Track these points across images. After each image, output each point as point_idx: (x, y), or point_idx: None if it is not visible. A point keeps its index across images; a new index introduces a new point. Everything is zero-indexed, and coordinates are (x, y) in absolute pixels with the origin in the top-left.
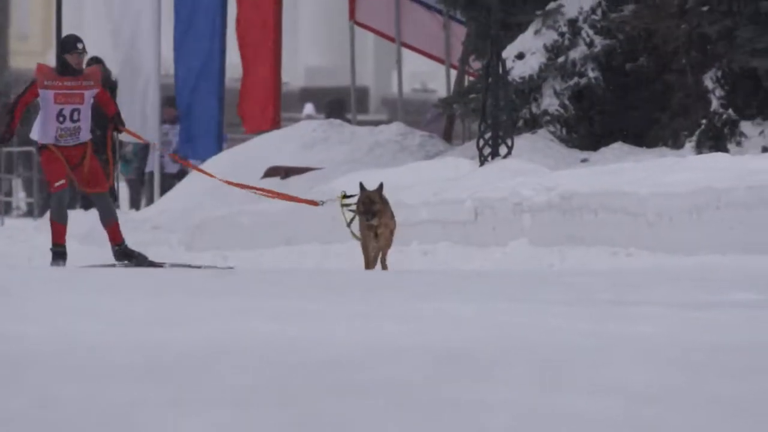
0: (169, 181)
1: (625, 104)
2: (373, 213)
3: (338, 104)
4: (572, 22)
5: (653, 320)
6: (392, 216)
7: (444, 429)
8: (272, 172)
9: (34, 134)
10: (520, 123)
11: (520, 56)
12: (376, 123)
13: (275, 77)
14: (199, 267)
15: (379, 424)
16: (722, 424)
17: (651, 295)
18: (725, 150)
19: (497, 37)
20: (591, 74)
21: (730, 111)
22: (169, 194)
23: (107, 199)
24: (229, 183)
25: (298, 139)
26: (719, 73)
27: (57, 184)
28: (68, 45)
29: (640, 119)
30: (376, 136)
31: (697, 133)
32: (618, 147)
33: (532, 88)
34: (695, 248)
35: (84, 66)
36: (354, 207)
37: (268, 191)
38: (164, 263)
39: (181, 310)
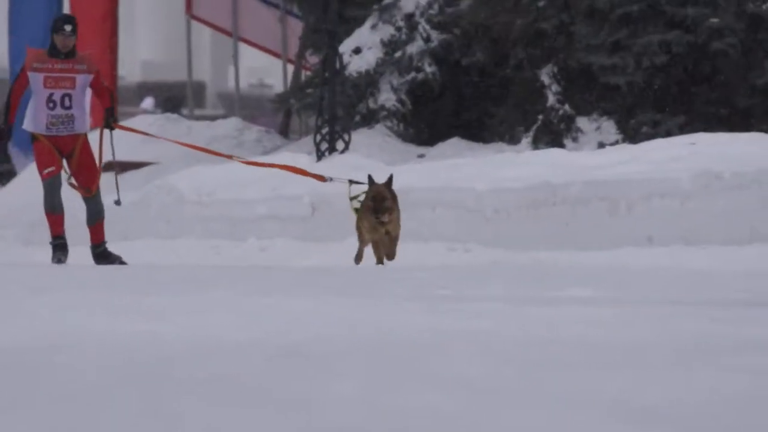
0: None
1: (462, 99)
2: (383, 210)
3: (175, 99)
4: (409, 17)
5: (491, 315)
6: (399, 214)
7: (279, 425)
8: (108, 166)
9: (26, 124)
10: (357, 118)
11: (357, 51)
12: (213, 118)
13: (111, 72)
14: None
15: (208, 421)
16: (556, 418)
17: (488, 291)
18: (562, 145)
19: (334, 32)
20: (428, 69)
21: (567, 106)
22: (6, 188)
23: (97, 197)
24: (248, 162)
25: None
26: (556, 69)
27: (46, 171)
28: (56, 25)
29: (477, 114)
30: (213, 131)
31: (533, 128)
32: (455, 142)
33: (369, 83)
34: (532, 244)
35: (72, 46)
36: (361, 200)
37: (278, 165)
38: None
39: (12, 306)
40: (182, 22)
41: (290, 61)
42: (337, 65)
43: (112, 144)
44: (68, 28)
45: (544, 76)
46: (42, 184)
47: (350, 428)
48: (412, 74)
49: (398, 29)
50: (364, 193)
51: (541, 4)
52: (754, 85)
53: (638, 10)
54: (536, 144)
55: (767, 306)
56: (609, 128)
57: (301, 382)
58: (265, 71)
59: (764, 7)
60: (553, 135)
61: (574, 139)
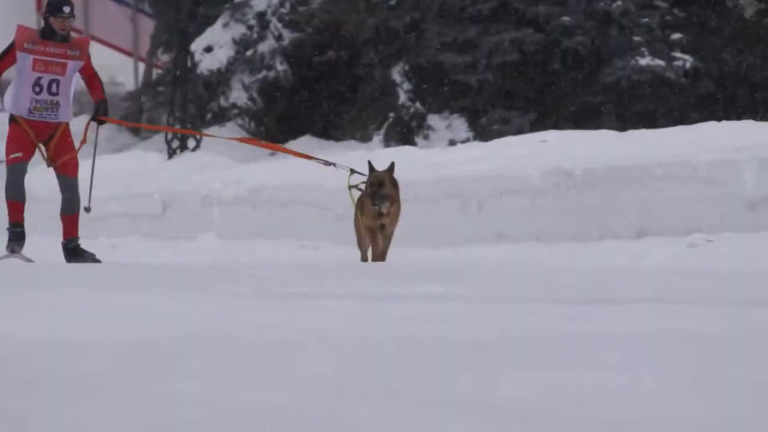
0: None
1: (313, 97)
2: (382, 197)
3: None
4: (261, 16)
5: (342, 313)
6: (399, 208)
7: (130, 420)
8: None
9: (6, 103)
10: (209, 116)
11: (209, 49)
12: None
13: None
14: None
15: (55, 419)
16: (407, 416)
17: (339, 288)
18: (413, 143)
19: (185, 30)
20: (279, 67)
21: (418, 104)
22: None
23: (73, 184)
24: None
25: None
26: (407, 67)
27: (12, 156)
28: (53, 7)
29: (328, 112)
30: None
31: (385, 126)
32: (307, 140)
33: (220, 81)
34: None
35: (69, 30)
36: (362, 187)
37: (294, 152)
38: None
39: None
40: (33, 20)
41: (141, 59)
42: (189, 63)
43: (96, 137)
44: (67, 9)
45: (396, 74)
46: (6, 168)
47: (198, 424)
48: (264, 72)
49: (250, 28)
50: (363, 183)
51: (392, 2)
52: (605, 83)
53: (489, 9)
54: (388, 142)
55: (612, 303)
56: (460, 126)
57: (149, 380)
58: (116, 69)
59: (614, 5)
60: (405, 133)
61: (425, 137)
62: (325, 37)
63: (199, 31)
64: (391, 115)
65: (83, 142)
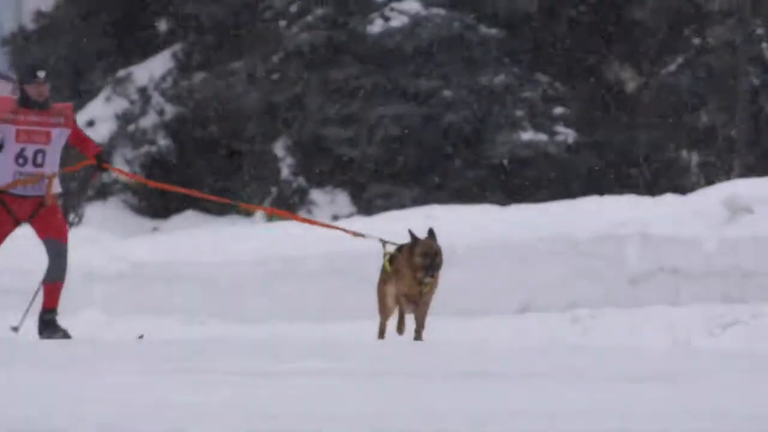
0: None
1: (195, 172)
2: (437, 267)
3: None
4: (143, 90)
5: (227, 388)
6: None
7: None
8: None
9: None
10: (91, 191)
11: (91, 123)
12: None
13: None
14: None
15: None
16: None
17: (223, 364)
18: None
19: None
20: (162, 142)
21: (301, 179)
22: None
23: (63, 250)
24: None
25: None
26: (289, 142)
27: None
28: (26, 73)
29: (211, 187)
30: None
31: (268, 200)
32: (189, 215)
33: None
34: (266, 316)
35: (47, 95)
36: (396, 256)
37: (320, 223)
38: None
39: None
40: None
41: None
42: None
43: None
44: (41, 74)
45: (278, 149)
46: None
47: None
48: (146, 147)
49: (132, 102)
50: (396, 251)
51: (274, 77)
52: (487, 157)
53: (371, 83)
54: (271, 216)
55: (493, 378)
56: (343, 200)
57: None
58: None
59: (496, 80)
60: (288, 207)
61: (308, 211)
62: (207, 111)
63: (81, 105)
64: (274, 189)
65: (86, 188)
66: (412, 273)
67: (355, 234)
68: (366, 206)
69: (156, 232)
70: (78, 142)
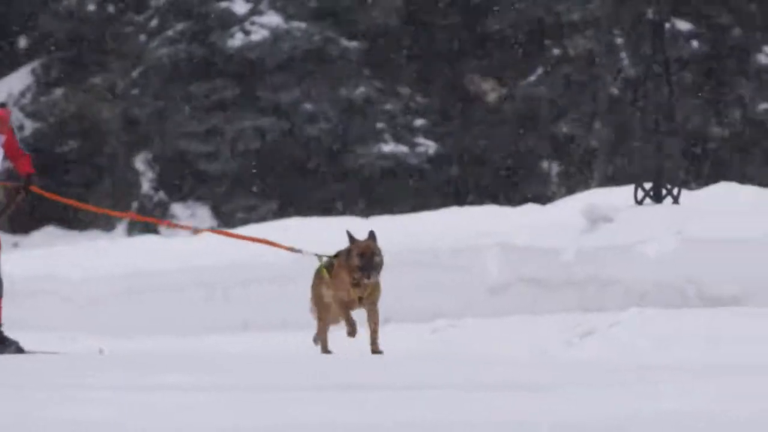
0: None
1: (56, 187)
2: (375, 267)
3: None
4: (2, 107)
5: (99, 404)
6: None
7: None
8: None
9: None
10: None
11: None
12: None
13: None
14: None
15: None
16: None
17: (87, 380)
18: (156, 232)
19: None
20: None
21: (161, 193)
22: None
23: None
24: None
25: None
26: (150, 156)
27: None
28: None
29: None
30: None
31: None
32: (50, 230)
33: None
34: (130, 331)
35: None
36: (330, 260)
37: (254, 239)
38: (35, 351)
39: None
40: None
41: None
42: None
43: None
44: None
45: (139, 163)
46: None
47: None
48: (6, 163)
49: None
50: (333, 257)
51: (134, 92)
52: (349, 169)
53: (233, 96)
54: (131, 231)
55: (363, 390)
56: (203, 214)
57: None
58: None
59: (356, 92)
60: (148, 222)
61: (168, 226)
62: (67, 126)
63: None
64: (135, 204)
65: (7, 208)
66: (350, 275)
67: (291, 249)
68: (226, 219)
69: (17, 248)
70: (12, 153)
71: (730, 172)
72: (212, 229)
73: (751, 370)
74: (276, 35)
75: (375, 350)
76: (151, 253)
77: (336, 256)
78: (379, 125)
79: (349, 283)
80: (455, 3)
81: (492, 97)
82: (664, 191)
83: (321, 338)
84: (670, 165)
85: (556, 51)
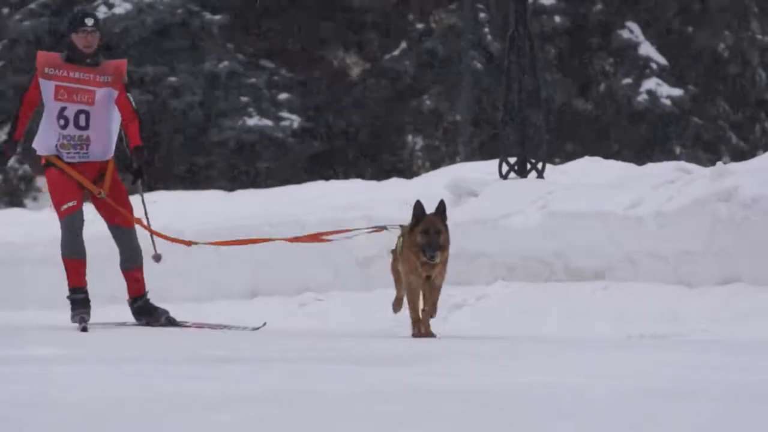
0: None
1: None
2: (436, 248)
3: None
4: None
5: None
6: (448, 253)
7: None
8: None
9: (35, 144)
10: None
11: None
12: None
13: None
14: (229, 327)
15: None
16: None
17: None
18: (22, 205)
19: None
20: None
21: (27, 167)
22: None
23: (132, 236)
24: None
25: None
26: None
27: (64, 207)
28: (74, 21)
29: None
30: None
31: None
32: None
33: None
34: None
35: (96, 47)
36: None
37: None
38: (188, 322)
39: None
40: None
41: None
42: None
43: (144, 202)
44: (90, 22)
45: (3, 136)
46: (60, 224)
47: None
48: None
49: None
50: (405, 228)
51: None
52: (214, 142)
53: None
54: None
55: (234, 363)
56: None
57: None
58: None
59: (220, 66)
60: (13, 195)
61: (35, 199)
62: None
63: None
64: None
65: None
66: (415, 253)
67: (378, 229)
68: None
69: None
70: (123, 113)
71: (593, 146)
72: (231, 241)
73: (613, 343)
74: (139, 8)
75: (426, 333)
76: (15, 226)
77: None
78: (244, 99)
79: (416, 263)
80: None
81: (356, 71)
82: (528, 166)
83: (397, 301)
84: (534, 139)
85: (419, 25)
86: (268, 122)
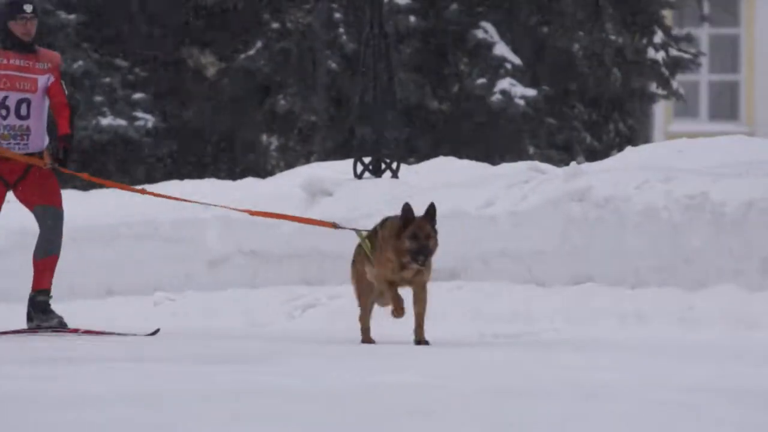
0: None
1: None
2: (428, 253)
3: None
4: None
5: None
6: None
7: None
8: None
9: None
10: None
11: None
12: None
13: None
14: (120, 333)
15: None
16: None
17: None
18: None
19: None
20: None
21: None
22: None
23: (58, 217)
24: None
25: None
26: None
27: None
28: (12, 8)
29: None
30: None
31: None
32: None
33: None
34: None
35: (33, 35)
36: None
37: (283, 215)
38: (79, 329)
39: None
40: None
41: None
42: None
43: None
44: (29, 8)
45: None
46: None
47: None
48: None
49: None
50: (373, 230)
51: None
52: None
53: None
54: None
55: (81, 363)
56: None
57: None
58: None
59: (75, 66)
60: None
61: None
62: None
63: None
64: None
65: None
66: (397, 255)
67: (329, 224)
68: None
69: None
70: (54, 101)
71: (448, 146)
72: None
73: (467, 343)
74: None
75: (420, 340)
76: None
77: (381, 226)
78: (98, 98)
79: (396, 264)
80: None
81: (211, 71)
82: (383, 165)
83: (363, 325)
84: (389, 139)
85: (274, 25)
86: (123, 122)
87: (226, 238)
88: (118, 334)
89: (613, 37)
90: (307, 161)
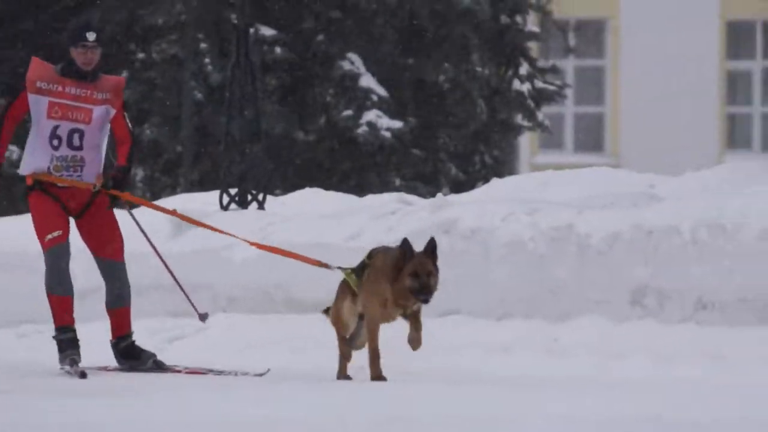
0: None
1: None
2: (431, 291)
3: None
4: None
5: None
6: None
7: None
8: None
9: (22, 166)
10: None
11: None
12: None
13: None
14: (228, 373)
15: None
16: None
17: None
18: None
19: None
20: None
21: None
22: None
23: (121, 270)
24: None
25: None
26: None
27: (49, 237)
28: (74, 34)
29: None
30: None
31: None
32: None
33: None
34: None
35: (95, 64)
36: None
37: (278, 250)
38: (177, 366)
39: None
40: None
41: None
42: None
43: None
44: (91, 37)
45: None
46: (44, 255)
47: None
48: None
49: None
50: (361, 264)
51: None
52: None
53: None
54: None
55: None
56: None
57: None
58: None
59: None
60: None
61: None
62: None
63: None
64: None
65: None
66: (394, 294)
67: (320, 264)
68: None
69: None
70: (117, 133)
71: (314, 177)
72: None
73: (330, 375)
74: None
75: (414, 341)
76: None
77: (369, 257)
78: None
79: (391, 300)
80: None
81: None
82: (249, 197)
83: (341, 361)
84: (255, 171)
85: (140, 55)
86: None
87: (92, 270)
88: (226, 372)
89: (479, 69)
90: (173, 192)
